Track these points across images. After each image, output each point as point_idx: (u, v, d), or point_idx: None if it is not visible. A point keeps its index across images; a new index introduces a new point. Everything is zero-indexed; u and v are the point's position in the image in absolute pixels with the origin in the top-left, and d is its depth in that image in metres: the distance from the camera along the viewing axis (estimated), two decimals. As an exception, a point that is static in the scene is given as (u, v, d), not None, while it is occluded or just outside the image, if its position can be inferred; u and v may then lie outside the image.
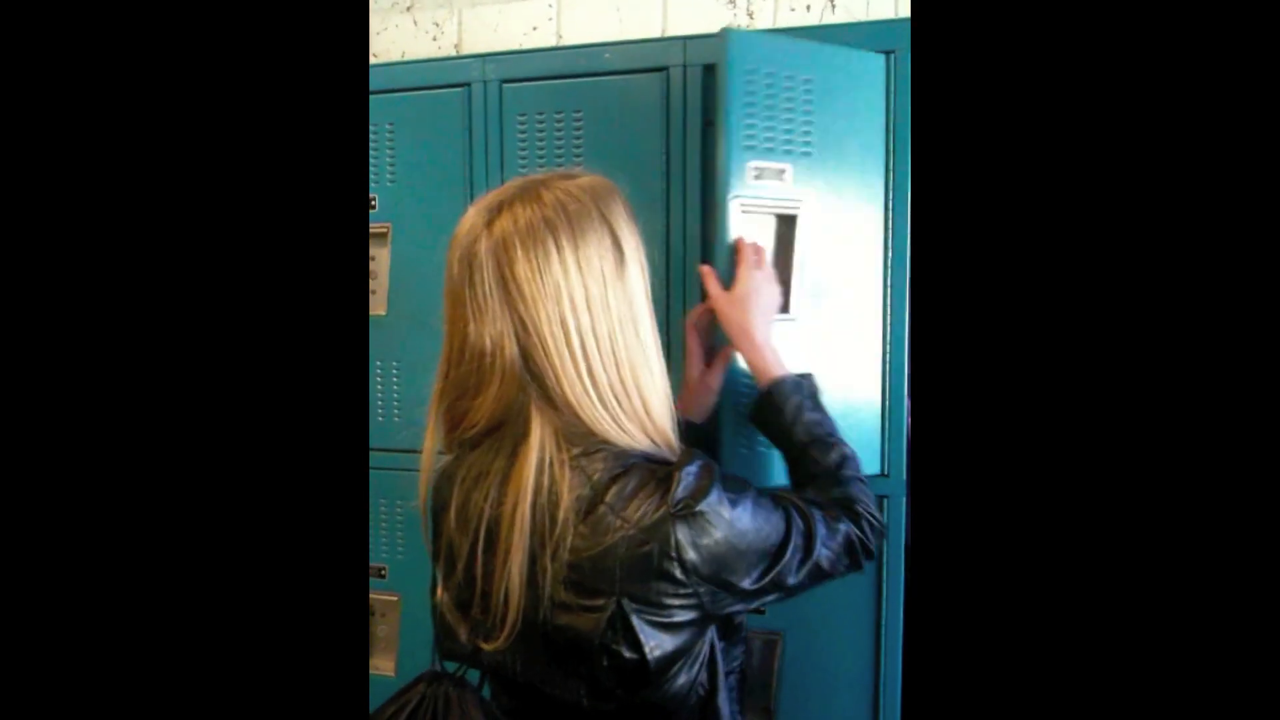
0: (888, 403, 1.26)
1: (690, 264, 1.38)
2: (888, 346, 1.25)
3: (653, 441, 0.78)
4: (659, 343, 0.81)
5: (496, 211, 0.78)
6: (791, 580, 0.79)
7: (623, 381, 0.76)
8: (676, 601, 0.73)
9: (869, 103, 1.23)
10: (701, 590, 0.73)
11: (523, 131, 1.44)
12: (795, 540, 0.79)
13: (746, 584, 0.76)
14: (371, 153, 1.49)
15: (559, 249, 0.75)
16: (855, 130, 1.21)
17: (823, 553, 0.81)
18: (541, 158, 1.43)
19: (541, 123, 1.44)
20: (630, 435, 0.77)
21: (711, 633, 0.79)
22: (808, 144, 1.17)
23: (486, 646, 0.77)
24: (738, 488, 0.78)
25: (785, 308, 1.12)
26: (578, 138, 1.42)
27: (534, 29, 1.87)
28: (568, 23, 1.85)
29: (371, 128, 1.48)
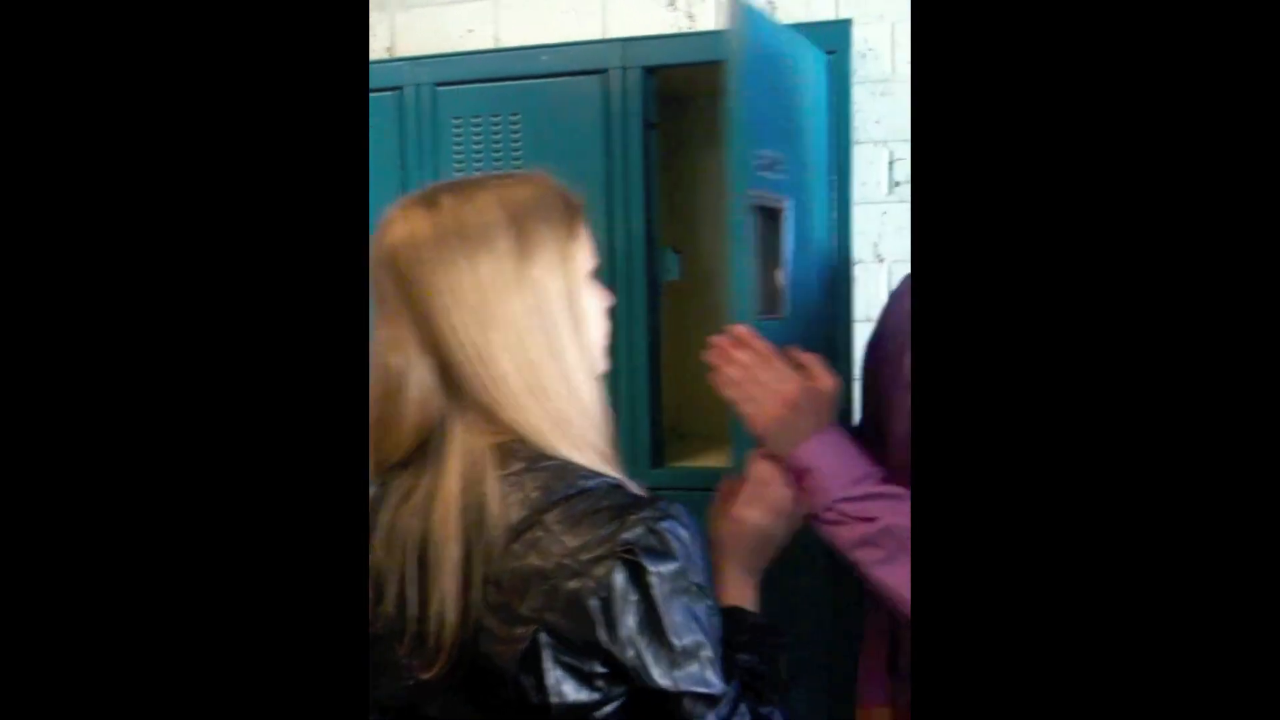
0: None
1: (633, 267, 1.36)
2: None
3: (579, 451, 0.74)
4: (585, 349, 0.76)
5: (400, 215, 0.76)
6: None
7: (530, 388, 0.72)
8: (592, 651, 0.67)
9: (818, 97, 1.22)
10: (619, 652, 0.66)
11: (458, 135, 1.41)
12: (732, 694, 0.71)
13: (664, 679, 0.67)
14: (301, 159, 1.45)
15: (458, 252, 0.72)
16: (814, 121, 1.19)
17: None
18: (479, 162, 1.40)
19: (478, 126, 1.40)
20: (554, 440, 0.73)
21: (625, 698, 0.70)
22: (787, 131, 1.07)
23: (423, 676, 0.72)
24: (703, 584, 0.70)
25: (774, 307, 1.03)
26: (515, 141, 1.39)
27: (470, 31, 1.83)
28: (505, 25, 1.82)
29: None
